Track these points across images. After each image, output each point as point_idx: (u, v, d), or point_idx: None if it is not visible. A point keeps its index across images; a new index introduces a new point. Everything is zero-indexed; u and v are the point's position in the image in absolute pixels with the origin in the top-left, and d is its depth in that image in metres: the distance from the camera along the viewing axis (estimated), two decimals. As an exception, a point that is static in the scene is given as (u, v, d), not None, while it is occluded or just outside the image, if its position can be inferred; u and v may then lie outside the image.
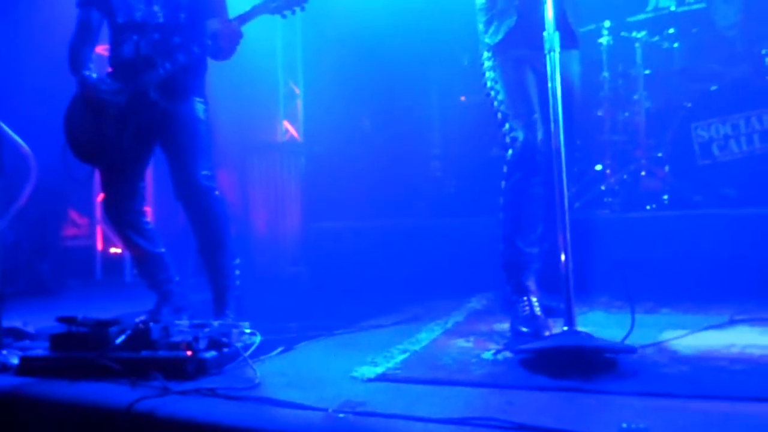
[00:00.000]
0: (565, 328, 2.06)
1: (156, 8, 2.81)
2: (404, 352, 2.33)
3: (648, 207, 3.97)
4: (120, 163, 2.88)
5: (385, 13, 5.32)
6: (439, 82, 5.55)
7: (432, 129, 5.52)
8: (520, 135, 2.52)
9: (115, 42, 2.85)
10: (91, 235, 5.32)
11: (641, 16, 4.89)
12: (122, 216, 2.97)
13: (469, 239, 4.00)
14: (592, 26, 4.41)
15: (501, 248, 2.62)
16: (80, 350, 2.16)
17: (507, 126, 2.58)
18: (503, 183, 2.59)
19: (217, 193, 2.85)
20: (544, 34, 2.15)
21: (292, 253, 5.39)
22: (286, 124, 5.90)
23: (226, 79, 4.17)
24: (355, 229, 4.60)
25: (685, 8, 4.86)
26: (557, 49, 2.15)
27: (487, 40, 2.67)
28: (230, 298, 2.85)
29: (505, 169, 2.58)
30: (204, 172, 2.81)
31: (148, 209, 4.46)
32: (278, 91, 5.89)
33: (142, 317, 2.83)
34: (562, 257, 2.08)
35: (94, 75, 2.83)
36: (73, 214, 5.37)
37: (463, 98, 5.24)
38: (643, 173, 4.12)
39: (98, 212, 5.10)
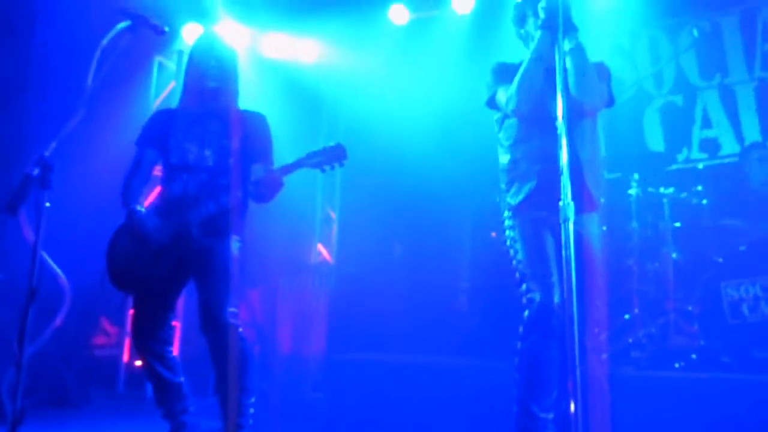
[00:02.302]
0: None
1: (207, 153, 3.00)
2: None
3: (676, 365, 3.86)
4: (153, 294, 2.99)
5: (424, 144, 5.55)
6: (471, 216, 5.66)
7: (462, 262, 5.58)
8: (537, 296, 2.55)
9: (167, 180, 3.03)
10: (119, 345, 5.39)
11: (672, 167, 5.00)
12: (147, 343, 3.03)
13: (491, 382, 3.92)
14: (620, 174, 4.50)
15: (514, 411, 2.58)
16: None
17: (524, 286, 2.61)
18: (519, 344, 2.59)
19: (241, 330, 2.91)
20: (560, 203, 2.22)
21: (313, 378, 5.35)
22: (320, 247, 6.05)
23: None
24: (377, 362, 4.57)
25: (716, 161, 4.96)
26: (571, 218, 2.21)
27: (508, 200, 2.77)
28: (242, 437, 2.83)
29: (521, 329, 2.59)
30: (231, 310, 2.89)
31: (176, 324, 4.55)
32: (315, 215, 6.10)
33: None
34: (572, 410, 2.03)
35: (143, 210, 3.00)
36: (105, 323, 5.49)
37: (494, 234, 5.31)
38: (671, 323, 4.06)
39: (128, 323, 5.20)
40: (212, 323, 2.85)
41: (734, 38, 5.28)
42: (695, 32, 4.96)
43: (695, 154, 5.25)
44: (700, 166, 4.61)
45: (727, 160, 5.05)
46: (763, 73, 5.18)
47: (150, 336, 3.00)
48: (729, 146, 5.17)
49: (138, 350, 3.08)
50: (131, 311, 3.13)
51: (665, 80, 5.49)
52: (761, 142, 4.92)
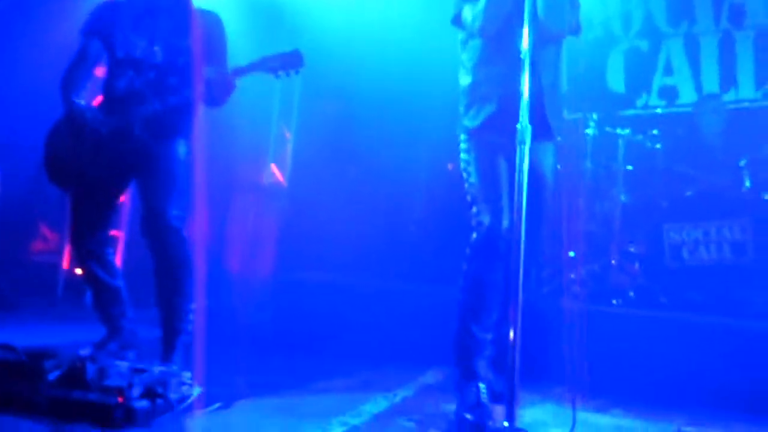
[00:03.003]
0: (506, 424, 2.04)
1: (156, 48, 2.85)
2: (343, 425, 2.29)
3: (614, 302, 3.98)
4: (92, 191, 2.88)
5: (386, 70, 5.44)
6: (429, 147, 5.62)
7: (416, 192, 5.57)
8: (486, 219, 2.54)
9: (111, 75, 2.89)
10: (59, 251, 5.25)
11: (629, 112, 5.04)
12: (85, 243, 2.94)
13: (439, 308, 3.98)
14: (580, 115, 4.51)
15: (454, 329, 2.61)
16: (12, 381, 2.11)
17: (475, 209, 2.61)
18: (464, 265, 2.60)
19: (184, 234, 2.84)
20: (517, 125, 2.19)
21: (259, 298, 5.34)
22: (273, 168, 5.94)
23: (219, 114, 4.23)
24: (326, 282, 4.58)
25: (673, 110, 5.01)
26: (528, 142, 2.19)
27: (465, 123, 2.73)
28: (180, 343, 2.80)
29: (467, 251, 2.60)
30: (175, 212, 2.81)
31: (120, 234, 4.42)
32: (270, 134, 5.96)
33: (86, 350, 2.79)
34: (510, 338, 2.07)
35: (83, 102, 2.85)
36: (44, 229, 5.32)
37: (450, 166, 5.30)
38: (613, 262, 4.17)
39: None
40: (154, 225, 2.77)
41: (704, -14, 5.26)
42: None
43: (654, 100, 5.28)
44: (659, 110, 4.63)
45: (683, 109, 5.10)
46: (728, 24, 5.19)
47: (89, 235, 2.91)
48: (687, 95, 5.21)
49: (75, 251, 3.00)
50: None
51: (633, 23, 5.46)
52: (717, 94, 4.98)
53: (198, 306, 2.94)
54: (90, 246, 2.95)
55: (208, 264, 3.06)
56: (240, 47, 3.39)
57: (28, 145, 3.20)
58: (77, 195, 2.90)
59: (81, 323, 4.10)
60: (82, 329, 3.66)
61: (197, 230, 3.03)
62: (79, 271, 5.10)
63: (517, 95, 2.31)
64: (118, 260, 3.63)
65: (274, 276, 5.46)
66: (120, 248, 4.96)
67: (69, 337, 3.68)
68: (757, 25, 5.10)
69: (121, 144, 2.78)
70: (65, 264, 5.10)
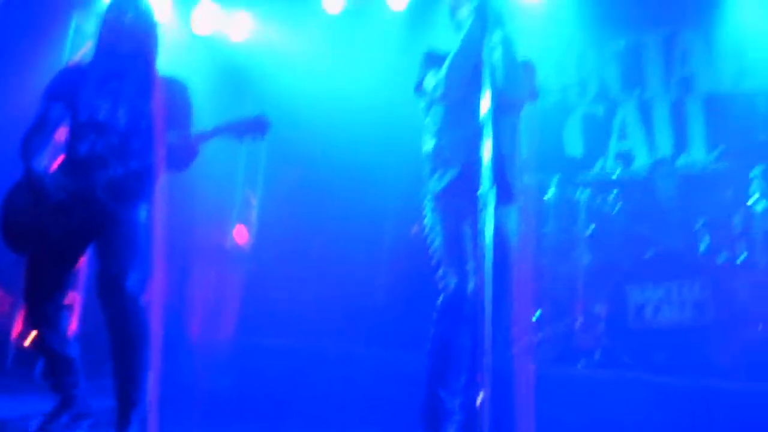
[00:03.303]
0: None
1: (120, 112, 2.82)
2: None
3: (579, 364, 3.98)
4: (49, 255, 2.80)
5: (350, 134, 5.51)
6: (393, 211, 5.66)
7: (381, 256, 5.56)
8: (451, 282, 2.55)
9: (73, 137, 2.84)
10: (11, 316, 5.05)
11: (588, 175, 5.19)
12: (40, 309, 2.83)
13: (406, 373, 3.91)
14: (538, 177, 4.62)
15: (422, 395, 2.57)
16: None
17: (440, 272, 2.61)
18: (431, 329, 2.58)
19: (142, 302, 2.76)
20: (479, 192, 2.22)
21: (220, 364, 5.20)
22: (237, 231, 5.90)
23: (183, 176, 4.21)
24: (289, 347, 4.49)
25: (628, 176, 5.18)
26: (490, 206, 2.22)
27: (429, 186, 2.76)
28: (135, 415, 2.68)
29: (434, 315, 2.58)
30: (134, 278, 2.73)
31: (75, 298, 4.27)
32: (235, 197, 5.94)
33: (36, 422, 2.66)
34: (478, 402, 2.04)
35: (43, 167, 2.80)
36: (-2, 292, 5.13)
37: (414, 229, 5.32)
38: (578, 323, 4.19)
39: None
40: (111, 291, 2.68)
41: (654, 56, 5.54)
42: (622, 44, 5.18)
43: (610, 164, 5.45)
44: (614, 176, 4.79)
45: (638, 173, 5.27)
46: (678, 91, 5.44)
47: (44, 301, 2.80)
48: (641, 159, 5.40)
49: (29, 316, 2.87)
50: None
51: (588, 90, 5.68)
52: (669, 158, 5.16)
53: (155, 375, 2.83)
54: (44, 312, 2.83)
55: (168, 328, 2.97)
56: (206, 112, 3.41)
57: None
58: (34, 259, 2.81)
59: (31, 394, 3.92)
60: (32, 401, 3.49)
61: (156, 294, 2.95)
62: (28, 342, 4.92)
63: (479, 159, 2.36)
64: (72, 326, 3.52)
65: (236, 341, 5.34)
66: (75, 313, 4.79)
67: (18, 409, 3.50)
68: (706, 92, 5.35)
69: (82, 208, 2.73)
70: (15, 333, 4.90)
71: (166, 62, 3.04)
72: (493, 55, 2.40)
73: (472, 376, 2.50)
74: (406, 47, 5.35)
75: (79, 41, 5.06)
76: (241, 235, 5.91)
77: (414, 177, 5.12)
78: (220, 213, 5.80)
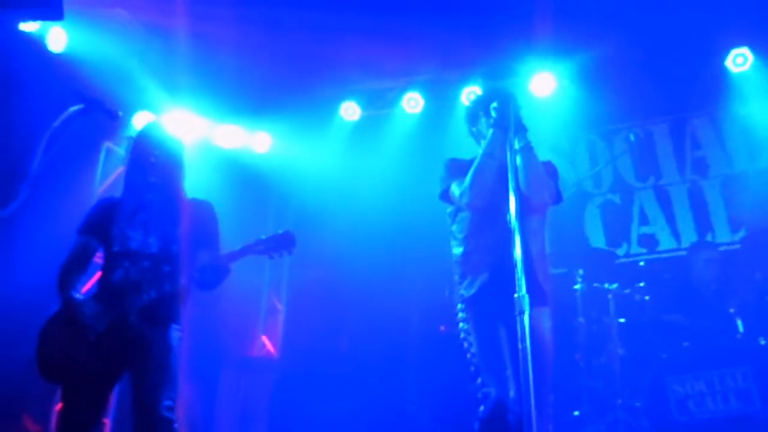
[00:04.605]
0: None
1: (151, 239, 2.92)
2: None
3: (627, 464, 3.82)
4: (86, 386, 2.80)
5: (372, 237, 5.58)
6: (420, 310, 5.63)
7: (410, 357, 5.49)
8: (492, 391, 2.50)
9: (107, 267, 2.93)
10: (42, 446, 4.97)
11: (615, 263, 5.16)
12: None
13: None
14: (565, 270, 4.60)
15: None
16: None
17: (479, 380, 2.57)
18: (474, 440, 2.52)
19: (176, 426, 2.73)
20: (515, 296, 2.22)
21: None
22: (264, 339, 5.87)
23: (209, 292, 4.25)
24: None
25: (656, 256, 5.14)
26: (527, 310, 2.21)
27: (462, 292, 2.77)
28: None
29: (476, 426, 2.53)
30: (167, 403, 2.72)
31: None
32: (261, 305, 5.96)
33: None
34: None
35: (80, 297, 2.86)
36: (27, 421, 5.07)
37: (443, 328, 5.28)
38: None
39: (54, 422, 4.83)
40: (146, 417, 2.67)
41: (665, 144, 5.64)
42: (632, 137, 5.27)
43: (635, 248, 5.44)
44: (641, 263, 4.77)
45: (665, 255, 5.25)
46: (693, 175, 5.50)
47: (79, 430, 2.78)
48: (666, 242, 5.39)
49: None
50: (58, 406, 2.91)
51: (603, 180, 5.76)
52: (710, 242, 5.12)
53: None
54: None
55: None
56: (231, 222, 3.49)
57: (16, 339, 3.15)
58: (70, 390, 2.81)
59: None
60: None
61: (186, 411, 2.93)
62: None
63: (508, 264, 2.37)
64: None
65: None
66: (106, 436, 4.72)
67: None
68: (721, 174, 5.40)
69: (117, 335, 2.76)
70: (47, 460, 4.81)
71: (194, 176, 3.18)
72: (516, 160, 2.48)
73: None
74: (424, 148, 5.51)
75: (109, 166, 5.28)
76: (268, 343, 5.89)
77: (438, 272, 5.17)
78: (247, 321, 5.80)
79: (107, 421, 4.69)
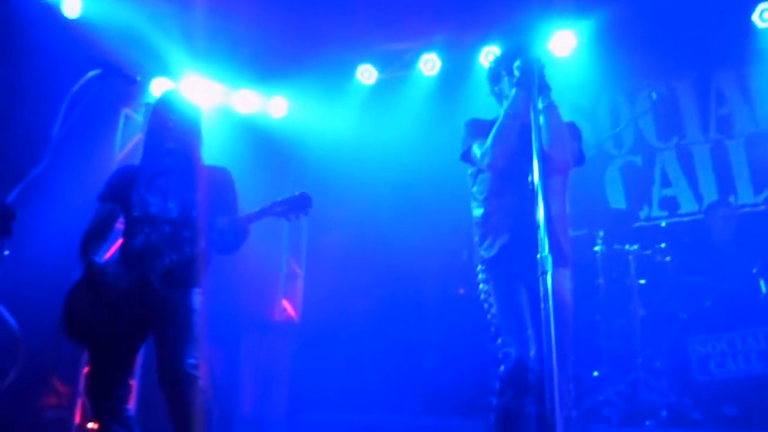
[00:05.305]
0: None
1: (171, 204, 2.95)
2: None
3: (647, 423, 3.83)
4: (111, 349, 2.86)
5: (390, 199, 5.58)
6: (438, 272, 5.65)
7: (429, 319, 5.52)
8: (512, 351, 2.50)
9: (128, 233, 2.96)
10: (71, 406, 5.11)
11: (635, 225, 5.11)
12: (103, 400, 2.88)
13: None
14: (584, 231, 4.56)
15: (491, 469, 2.50)
16: None
17: (500, 340, 2.57)
18: (494, 399, 2.53)
19: (201, 382, 2.79)
20: (537, 256, 2.21)
21: (275, 440, 5.15)
22: (285, 304, 5.93)
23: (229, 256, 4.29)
24: (342, 421, 4.43)
25: (677, 220, 5.08)
26: (550, 271, 2.20)
27: (482, 253, 2.76)
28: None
29: (497, 385, 2.54)
30: (190, 361, 2.78)
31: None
32: (280, 270, 6.01)
33: None
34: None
35: (101, 262, 2.90)
36: (56, 382, 5.21)
37: (461, 291, 5.29)
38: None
39: (82, 383, 4.95)
40: (171, 375, 2.73)
41: (689, 103, 5.52)
42: (654, 95, 5.16)
43: (656, 211, 5.38)
44: (663, 224, 4.71)
45: (687, 218, 5.18)
46: (717, 135, 5.39)
47: (106, 393, 2.85)
48: (688, 204, 5.32)
49: (93, 408, 2.92)
50: (86, 369, 2.98)
51: (625, 141, 5.67)
52: (725, 200, 5.06)
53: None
54: (108, 402, 2.88)
55: (221, 406, 2.99)
56: (249, 188, 3.50)
57: (44, 305, 3.21)
58: (96, 352, 2.88)
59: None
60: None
61: (209, 373, 2.98)
62: (92, 425, 4.97)
63: (529, 225, 2.35)
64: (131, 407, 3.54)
65: (288, 416, 5.30)
66: (133, 398, 4.84)
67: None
68: (745, 133, 5.29)
69: (141, 298, 2.80)
70: (77, 419, 4.95)
71: (212, 142, 3.19)
72: (539, 120, 2.44)
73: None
74: (441, 110, 5.46)
75: (128, 133, 5.30)
76: (288, 307, 5.95)
77: (456, 234, 5.17)
78: (267, 287, 5.86)
79: (134, 383, 4.79)
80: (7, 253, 2.15)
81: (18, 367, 2.96)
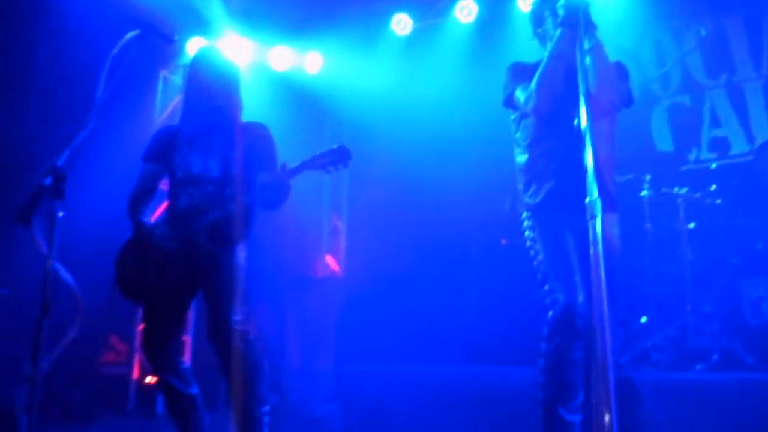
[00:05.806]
0: None
1: (212, 164, 2.99)
2: None
3: (698, 367, 3.79)
4: (163, 306, 2.95)
5: (429, 152, 5.53)
6: (480, 224, 5.62)
7: (472, 270, 5.52)
8: (560, 297, 2.49)
9: (173, 194, 3.02)
10: (129, 362, 5.32)
11: (682, 169, 4.96)
12: (159, 355, 2.98)
13: (508, 387, 3.85)
14: (631, 176, 4.45)
15: (540, 414, 2.51)
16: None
17: (547, 287, 2.56)
18: (543, 345, 2.53)
19: (250, 336, 2.86)
20: (586, 201, 2.16)
21: (324, 391, 5.28)
22: (328, 259, 6.00)
23: (272, 214, 4.34)
24: (389, 373, 4.50)
25: (727, 161, 4.91)
26: (599, 216, 2.16)
27: (527, 200, 2.72)
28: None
29: (545, 331, 2.53)
30: (239, 317, 2.84)
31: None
32: (323, 226, 6.06)
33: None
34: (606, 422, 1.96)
35: (149, 221, 2.97)
36: (114, 340, 5.42)
37: (504, 241, 5.26)
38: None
39: (138, 340, 5.14)
40: (220, 331, 2.81)
41: (739, 38, 5.26)
42: (703, 31, 4.94)
43: (705, 154, 5.21)
44: (713, 166, 4.56)
45: (737, 160, 5.01)
46: (771, 71, 5.15)
47: (161, 348, 2.95)
48: (739, 145, 5.13)
49: (150, 362, 3.02)
50: (141, 326, 3.08)
51: (671, 81, 5.47)
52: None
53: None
54: (164, 357, 2.98)
55: (269, 361, 3.07)
56: (287, 144, 3.51)
57: (102, 264, 3.31)
58: (149, 309, 2.97)
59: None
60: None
61: (257, 329, 3.05)
62: (150, 379, 5.18)
63: (574, 170, 2.30)
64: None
65: (336, 368, 5.41)
66: (187, 350, 5.00)
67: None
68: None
69: (188, 255, 2.86)
70: (135, 374, 5.15)
71: (249, 100, 3.18)
72: (585, 61, 2.35)
73: (589, 392, 2.43)
74: (478, 58, 5.34)
75: (167, 95, 5.34)
76: (332, 262, 6.02)
77: (498, 185, 5.11)
78: (311, 243, 5.93)
79: (187, 339, 4.95)
80: (61, 214, 2.20)
81: (77, 326, 3.07)
